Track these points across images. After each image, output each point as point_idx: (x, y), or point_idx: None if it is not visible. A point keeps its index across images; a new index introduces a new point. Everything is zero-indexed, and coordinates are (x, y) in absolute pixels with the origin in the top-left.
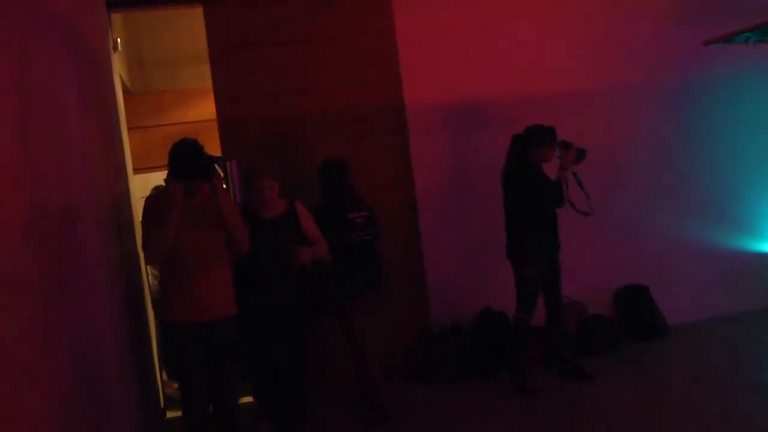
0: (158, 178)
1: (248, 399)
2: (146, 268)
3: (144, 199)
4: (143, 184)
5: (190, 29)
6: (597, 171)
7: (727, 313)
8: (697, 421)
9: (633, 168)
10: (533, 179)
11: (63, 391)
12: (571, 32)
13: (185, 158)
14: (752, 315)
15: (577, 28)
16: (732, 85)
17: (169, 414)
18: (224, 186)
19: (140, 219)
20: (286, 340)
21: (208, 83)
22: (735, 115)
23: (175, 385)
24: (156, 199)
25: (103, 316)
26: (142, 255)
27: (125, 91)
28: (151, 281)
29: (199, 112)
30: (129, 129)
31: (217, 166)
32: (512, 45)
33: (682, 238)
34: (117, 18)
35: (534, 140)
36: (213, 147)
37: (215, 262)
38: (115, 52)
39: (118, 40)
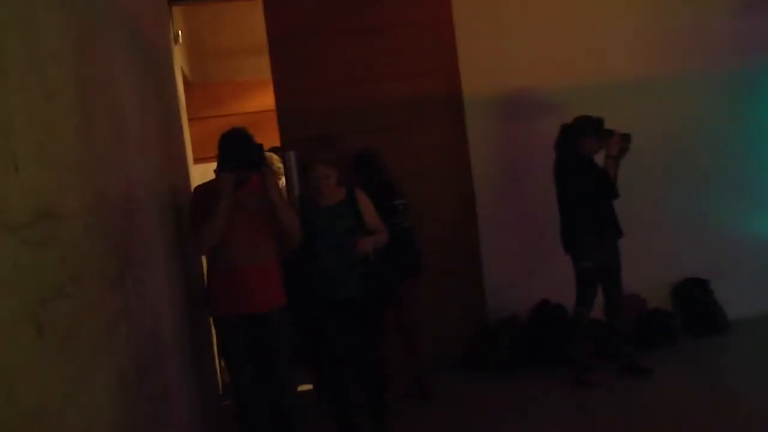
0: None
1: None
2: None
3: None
4: (203, 174)
5: (250, 21)
6: (656, 161)
7: None
8: (757, 418)
9: (693, 158)
10: (584, 170)
11: (123, 373)
12: (632, 20)
13: (235, 148)
14: None
15: (639, 15)
16: None
17: (228, 401)
18: (277, 176)
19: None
20: (357, 332)
21: (266, 75)
22: None
23: None
24: (205, 188)
25: (161, 302)
26: None
27: (186, 83)
28: None
29: (257, 103)
30: (189, 119)
31: (268, 156)
32: (571, 33)
33: (742, 230)
34: (178, 11)
35: (581, 131)
36: (271, 138)
37: (263, 254)
38: (176, 44)
39: (179, 32)
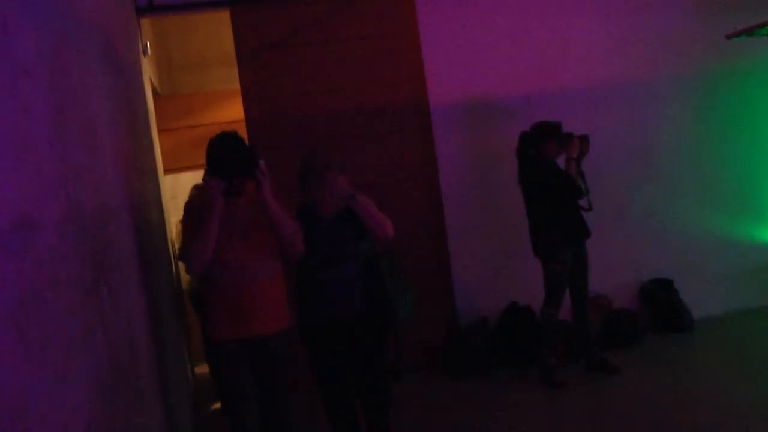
0: (188, 178)
1: None
2: (177, 265)
3: (183, 202)
4: (173, 185)
5: (218, 32)
6: (620, 163)
7: (752, 306)
8: (723, 413)
9: (656, 161)
10: (548, 175)
11: (99, 379)
12: (593, 27)
13: (225, 152)
14: None
15: (600, 22)
16: (755, 77)
17: (202, 411)
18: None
19: (170, 218)
20: (364, 359)
21: (235, 85)
22: (758, 108)
23: (208, 376)
24: (197, 201)
25: (136, 310)
26: (174, 253)
27: (155, 94)
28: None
29: (226, 114)
30: (159, 131)
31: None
32: (535, 41)
33: (706, 230)
34: (146, 23)
35: (541, 137)
36: None
37: (264, 271)
38: (144, 56)
39: (148, 44)
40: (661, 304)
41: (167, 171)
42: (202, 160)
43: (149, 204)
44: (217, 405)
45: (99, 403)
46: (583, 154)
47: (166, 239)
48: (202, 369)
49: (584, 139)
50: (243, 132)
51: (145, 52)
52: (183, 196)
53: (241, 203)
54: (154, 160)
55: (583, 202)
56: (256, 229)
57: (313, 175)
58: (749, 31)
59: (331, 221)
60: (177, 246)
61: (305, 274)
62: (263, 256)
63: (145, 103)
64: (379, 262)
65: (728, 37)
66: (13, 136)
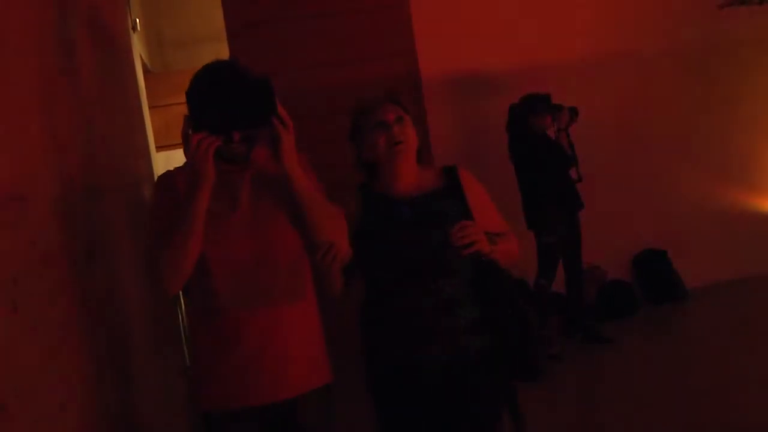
0: (180, 155)
1: None
2: None
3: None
4: (165, 162)
5: (208, 8)
6: (612, 134)
7: (744, 275)
8: (717, 382)
9: (649, 131)
10: (537, 147)
11: (95, 353)
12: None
13: (222, 90)
14: None
15: None
16: (747, 47)
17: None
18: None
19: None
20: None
21: None
22: (751, 78)
23: None
24: (173, 176)
25: (130, 289)
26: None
27: (145, 71)
28: None
29: None
30: (150, 108)
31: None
32: (526, 13)
33: (699, 200)
34: None
35: (532, 109)
36: None
37: (283, 291)
38: (134, 32)
39: (137, 20)
40: (654, 275)
41: (159, 148)
42: None
43: (141, 182)
44: None
45: (95, 380)
46: (567, 125)
47: None
48: None
49: (572, 111)
50: None
51: (134, 28)
52: None
53: (245, 177)
54: (145, 137)
55: (572, 173)
56: (268, 220)
57: (365, 127)
58: (741, 0)
59: (416, 205)
60: None
61: (376, 297)
62: (282, 263)
63: (135, 79)
64: (498, 274)
65: (720, 7)
66: (2, 111)
